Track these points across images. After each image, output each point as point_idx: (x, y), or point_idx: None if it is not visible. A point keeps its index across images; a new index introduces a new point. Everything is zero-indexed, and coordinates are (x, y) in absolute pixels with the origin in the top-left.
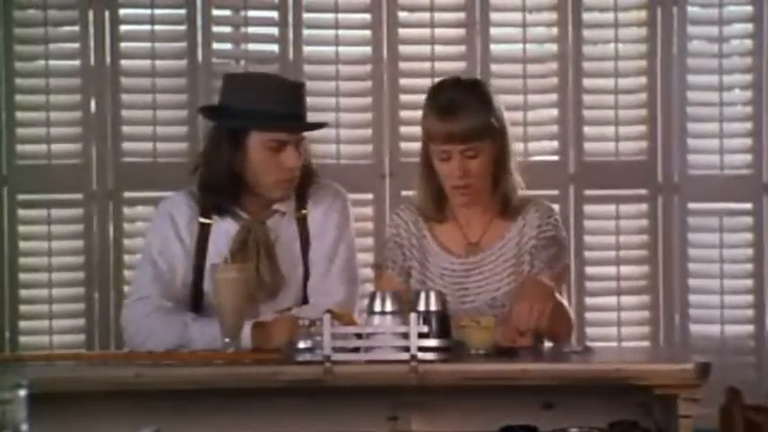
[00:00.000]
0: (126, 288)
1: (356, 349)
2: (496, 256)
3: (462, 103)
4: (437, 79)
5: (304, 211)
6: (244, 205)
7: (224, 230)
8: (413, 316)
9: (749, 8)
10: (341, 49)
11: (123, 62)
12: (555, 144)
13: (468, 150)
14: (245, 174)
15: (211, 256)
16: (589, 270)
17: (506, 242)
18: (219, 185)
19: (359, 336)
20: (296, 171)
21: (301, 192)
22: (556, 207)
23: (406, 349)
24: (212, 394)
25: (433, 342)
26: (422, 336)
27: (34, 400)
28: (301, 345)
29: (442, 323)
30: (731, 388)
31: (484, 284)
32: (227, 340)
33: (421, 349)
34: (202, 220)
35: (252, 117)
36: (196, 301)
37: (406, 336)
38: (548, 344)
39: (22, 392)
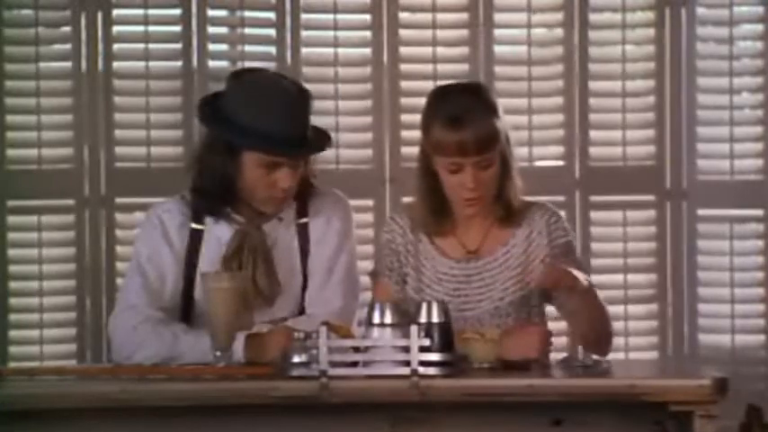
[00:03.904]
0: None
1: (354, 363)
2: (500, 263)
3: (470, 112)
4: (436, 84)
5: (305, 220)
6: (239, 209)
7: (216, 237)
8: (414, 328)
9: (760, 9)
10: (340, 50)
11: (116, 64)
12: (560, 149)
13: (481, 161)
14: (238, 185)
15: (203, 263)
16: (595, 278)
17: (510, 248)
18: (213, 191)
19: (357, 349)
20: (290, 191)
21: (302, 200)
22: (561, 213)
23: (407, 363)
24: (202, 411)
25: (435, 356)
26: (423, 349)
27: (15, 418)
28: (296, 359)
29: (445, 336)
30: (752, 405)
31: (485, 291)
32: (218, 353)
33: (422, 363)
34: (194, 225)
35: (248, 134)
36: (187, 310)
37: (406, 349)
38: (560, 356)
39: None
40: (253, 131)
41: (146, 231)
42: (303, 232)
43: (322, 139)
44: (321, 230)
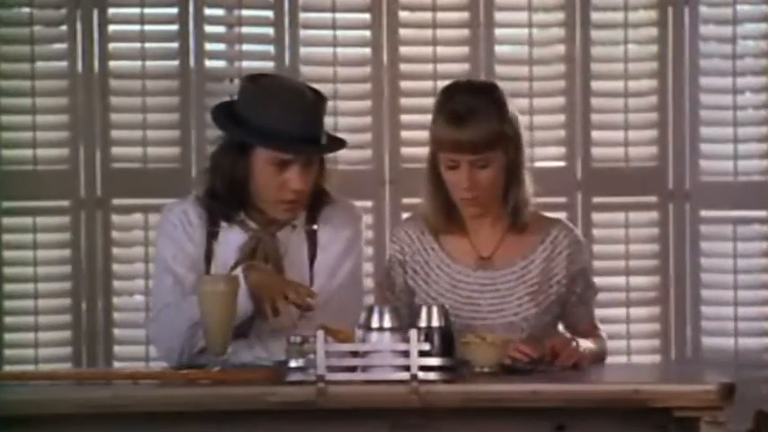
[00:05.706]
0: (115, 300)
1: (352, 368)
2: (517, 276)
3: (474, 110)
4: (445, 82)
5: (314, 226)
6: (253, 215)
7: (230, 240)
8: (413, 332)
9: (763, 7)
10: (339, 50)
11: (112, 63)
12: (562, 149)
13: (477, 161)
14: (249, 187)
15: (216, 266)
16: (597, 281)
17: (529, 263)
18: (224, 194)
19: (355, 354)
20: (302, 194)
21: (313, 207)
22: (563, 215)
23: (407, 368)
24: (197, 417)
25: (435, 360)
26: (423, 354)
27: (8, 423)
28: (293, 363)
29: (445, 340)
30: (760, 411)
31: (498, 304)
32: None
33: (422, 368)
34: (210, 227)
35: (257, 131)
36: None
37: (406, 354)
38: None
39: None
40: (262, 129)
41: (166, 231)
42: (312, 239)
43: (335, 143)
44: (329, 237)
